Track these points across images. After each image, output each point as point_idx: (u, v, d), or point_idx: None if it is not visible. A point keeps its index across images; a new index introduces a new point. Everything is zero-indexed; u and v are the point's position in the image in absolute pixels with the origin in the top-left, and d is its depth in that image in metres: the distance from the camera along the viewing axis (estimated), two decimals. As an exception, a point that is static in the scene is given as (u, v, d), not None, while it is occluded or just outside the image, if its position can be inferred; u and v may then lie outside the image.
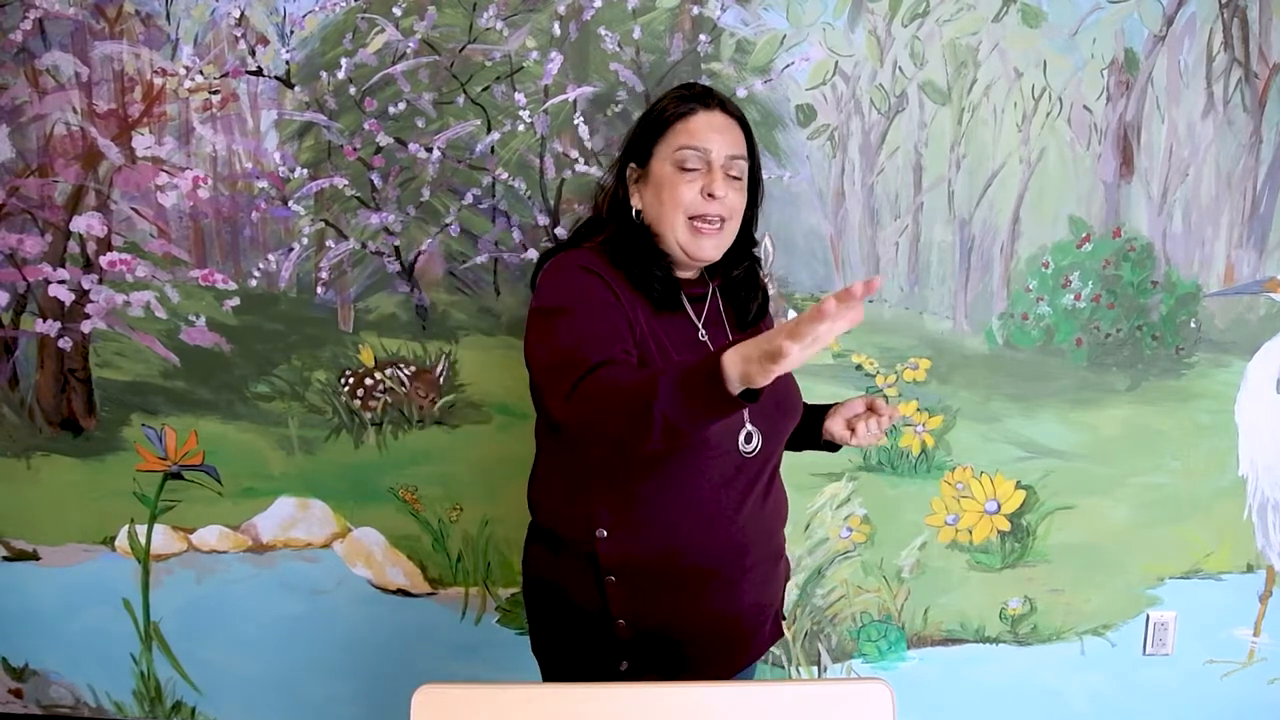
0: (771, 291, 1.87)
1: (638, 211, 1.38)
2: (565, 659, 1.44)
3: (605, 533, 1.34)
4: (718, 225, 1.35)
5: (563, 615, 1.42)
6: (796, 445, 1.53)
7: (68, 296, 2.10)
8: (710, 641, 1.39)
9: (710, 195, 1.32)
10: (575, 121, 1.97)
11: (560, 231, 2.01)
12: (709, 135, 1.33)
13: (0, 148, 2.06)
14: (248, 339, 2.11)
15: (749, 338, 1.40)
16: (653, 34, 1.94)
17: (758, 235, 1.49)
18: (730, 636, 1.41)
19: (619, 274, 1.34)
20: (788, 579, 1.57)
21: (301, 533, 2.19)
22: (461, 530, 2.16)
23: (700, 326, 1.39)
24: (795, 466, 1.59)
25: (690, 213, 1.33)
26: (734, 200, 1.35)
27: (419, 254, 2.05)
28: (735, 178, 1.36)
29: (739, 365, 1.02)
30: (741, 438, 1.34)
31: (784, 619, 1.59)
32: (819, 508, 2.10)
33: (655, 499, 1.33)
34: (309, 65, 1.99)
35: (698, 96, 1.36)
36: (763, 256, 1.73)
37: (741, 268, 1.44)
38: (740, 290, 1.46)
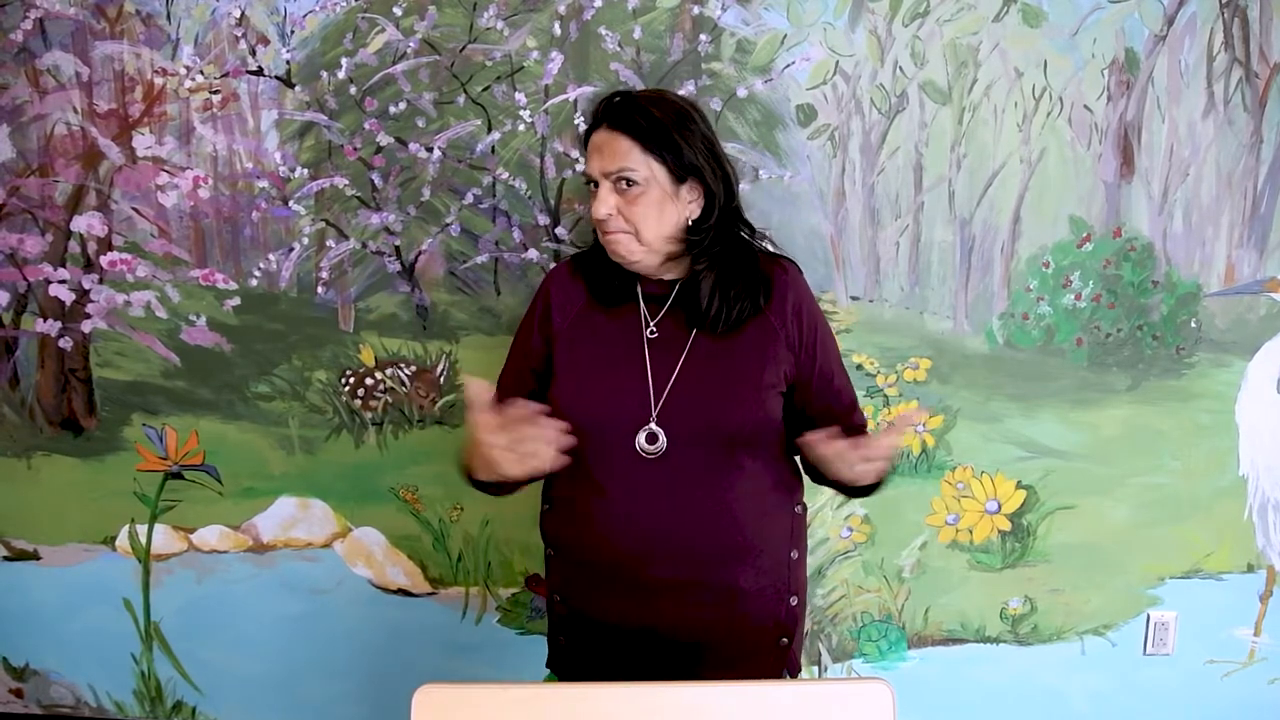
0: None
1: None
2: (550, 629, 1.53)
3: (548, 506, 1.44)
4: (621, 235, 1.36)
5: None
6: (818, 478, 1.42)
7: (68, 296, 2.11)
8: (639, 649, 1.37)
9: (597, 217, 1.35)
10: (576, 121, 1.97)
11: (560, 231, 2.01)
12: (592, 157, 1.36)
13: (0, 148, 2.06)
14: (248, 339, 2.11)
15: (726, 340, 1.37)
16: (653, 34, 1.94)
17: (759, 234, 1.48)
18: (659, 651, 1.36)
19: (578, 279, 1.45)
20: (791, 628, 1.44)
21: (302, 532, 2.19)
22: (462, 530, 2.16)
23: (652, 324, 1.39)
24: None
25: (601, 229, 1.37)
26: (630, 212, 1.33)
27: (419, 254, 2.05)
28: (630, 186, 1.33)
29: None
30: (642, 437, 1.32)
31: (798, 668, 1.47)
32: (819, 508, 2.10)
33: (579, 481, 1.35)
34: (309, 65, 1.99)
35: (596, 115, 1.37)
36: None
37: (702, 264, 1.37)
38: (698, 290, 1.38)
